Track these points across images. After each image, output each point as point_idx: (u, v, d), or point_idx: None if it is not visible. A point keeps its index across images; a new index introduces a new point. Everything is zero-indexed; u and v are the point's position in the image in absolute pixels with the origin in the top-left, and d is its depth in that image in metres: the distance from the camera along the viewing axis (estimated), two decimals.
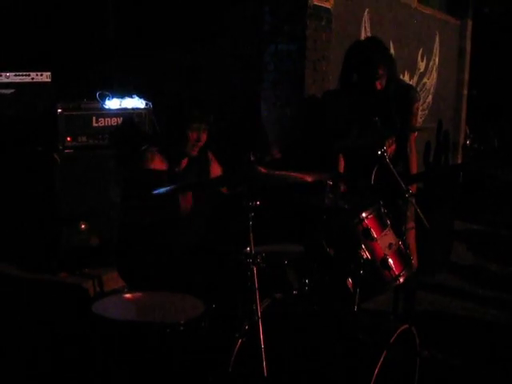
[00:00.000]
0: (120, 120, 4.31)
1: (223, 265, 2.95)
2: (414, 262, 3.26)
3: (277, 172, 2.63)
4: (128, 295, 2.77)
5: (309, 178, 2.60)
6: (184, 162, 3.31)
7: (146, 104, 4.45)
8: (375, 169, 3.44)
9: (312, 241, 3.00)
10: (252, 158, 2.49)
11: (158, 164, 3.23)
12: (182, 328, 2.41)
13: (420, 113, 7.41)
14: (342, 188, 3.68)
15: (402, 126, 3.89)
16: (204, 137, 3.21)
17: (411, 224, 3.67)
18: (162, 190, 2.62)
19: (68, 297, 3.90)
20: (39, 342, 3.47)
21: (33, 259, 4.03)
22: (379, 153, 3.21)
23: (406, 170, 3.90)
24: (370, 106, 3.80)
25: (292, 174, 2.62)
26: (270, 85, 4.86)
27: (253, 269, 2.49)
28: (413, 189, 3.78)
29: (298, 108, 4.80)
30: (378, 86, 3.73)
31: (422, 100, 7.42)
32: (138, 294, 2.75)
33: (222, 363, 2.54)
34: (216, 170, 3.45)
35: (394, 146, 3.86)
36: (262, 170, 2.54)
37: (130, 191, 3.23)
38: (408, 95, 3.93)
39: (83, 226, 4.10)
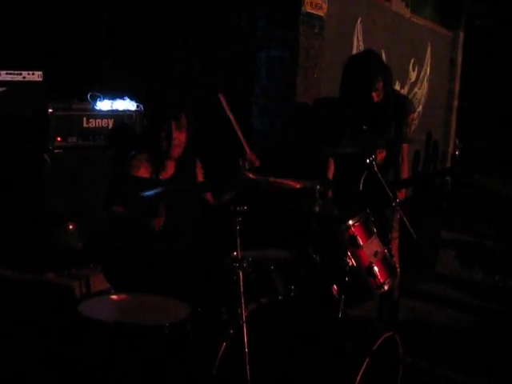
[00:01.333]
0: (111, 121, 4.32)
1: (209, 268, 2.96)
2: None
3: (265, 178, 2.64)
4: (114, 297, 2.77)
5: (297, 185, 2.62)
6: (170, 168, 3.33)
7: (137, 106, 4.46)
8: (363, 176, 3.46)
9: (298, 247, 3.02)
10: (241, 164, 2.51)
11: (144, 171, 3.26)
12: (166, 330, 2.41)
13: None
14: (329, 193, 3.73)
15: (395, 135, 3.94)
16: (178, 136, 3.24)
17: (395, 234, 3.70)
18: (149, 192, 2.63)
19: (54, 297, 3.90)
20: (25, 341, 3.46)
21: (20, 259, 4.02)
22: (368, 161, 3.23)
23: (397, 179, 3.94)
24: (364, 116, 3.84)
25: (280, 180, 2.64)
26: (261, 91, 4.88)
27: (239, 273, 2.51)
28: (402, 195, 3.83)
29: (289, 115, 4.82)
30: (375, 98, 3.78)
31: None
32: (124, 296, 2.75)
33: (206, 366, 2.55)
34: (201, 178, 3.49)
35: (383, 154, 3.90)
36: (251, 175, 2.55)
37: (112, 196, 3.26)
38: (403, 106, 3.99)
39: (71, 227, 4.10)
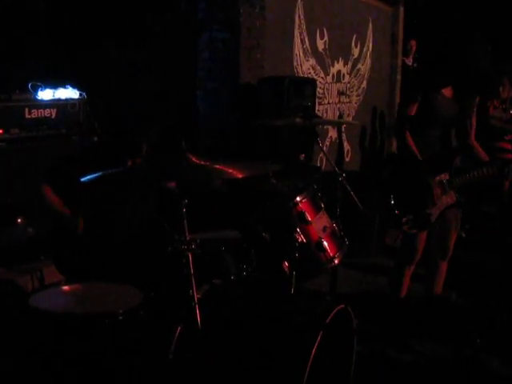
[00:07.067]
0: (54, 111, 4.26)
1: (160, 253, 2.96)
2: None
3: (208, 164, 2.59)
4: (66, 287, 2.75)
5: (239, 175, 2.58)
6: None
7: (80, 94, 4.40)
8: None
9: (248, 226, 3.04)
10: (183, 146, 2.50)
11: None
12: (120, 317, 2.42)
13: (355, 98, 7.55)
14: None
15: None
16: (136, 161, 3.19)
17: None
18: (89, 176, 2.58)
19: (5, 292, 3.84)
20: None
21: None
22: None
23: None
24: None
25: (223, 167, 2.59)
26: (205, 73, 4.87)
27: (188, 255, 2.51)
28: None
29: (233, 96, 4.83)
30: None
31: (356, 86, 7.55)
32: (77, 286, 2.73)
33: (163, 350, 2.57)
34: None
35: None
36: (194, 158, 2.53)
37: (49, 174, 3.22)
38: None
39: (19, 221, 4.04)
